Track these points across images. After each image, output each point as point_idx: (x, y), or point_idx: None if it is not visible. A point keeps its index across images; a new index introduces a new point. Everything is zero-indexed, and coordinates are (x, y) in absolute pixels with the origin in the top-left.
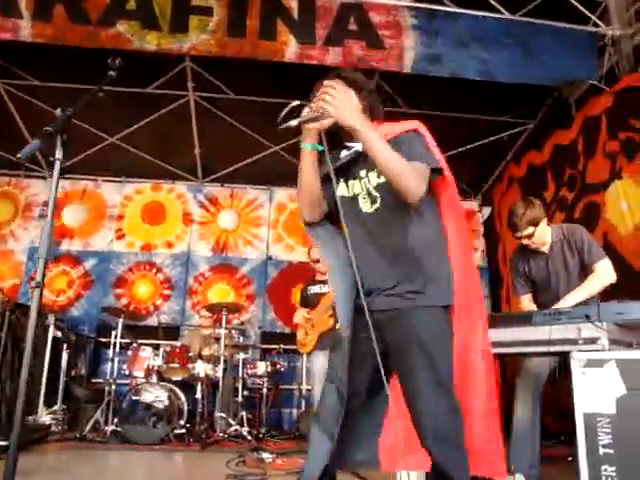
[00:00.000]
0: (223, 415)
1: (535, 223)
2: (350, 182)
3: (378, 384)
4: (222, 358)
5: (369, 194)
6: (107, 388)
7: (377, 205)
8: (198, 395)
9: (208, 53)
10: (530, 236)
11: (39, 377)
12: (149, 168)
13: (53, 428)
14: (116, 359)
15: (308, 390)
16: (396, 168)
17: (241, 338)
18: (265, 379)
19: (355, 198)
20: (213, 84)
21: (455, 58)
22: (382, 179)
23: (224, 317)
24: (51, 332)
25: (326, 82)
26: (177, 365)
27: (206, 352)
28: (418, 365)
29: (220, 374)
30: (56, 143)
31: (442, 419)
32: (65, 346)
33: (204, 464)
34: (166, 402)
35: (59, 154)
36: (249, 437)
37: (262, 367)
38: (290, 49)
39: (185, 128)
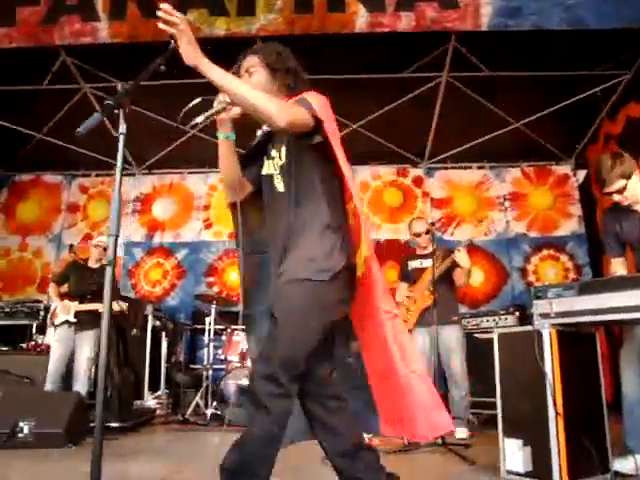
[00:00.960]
0: None
1: (627, 176)
2: (267, 161)
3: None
4: None
5: (281, 174)
6: (205, 373)
7: (285, 185)
8: None
9: (276, 32)
10: (621, 190)
11: (142, 364)
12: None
13: (158, 411)
14: (211, 345)
15: None
16: (248, 93)
17: None
18: (354, 360)
19: (271, 177)
20: None
21: (537, 8)
22: (283, 160)
23: None
24: (150, 321)
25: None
26: None
27: None
28: (272, 330)
29: None
30: (119, 117)
31: (258, 382)
32: (164, 334)
33: (300, 445)
34: None
35: (122, 128)
36: None
37: (354, 348)
38: (360, 19)
39: None
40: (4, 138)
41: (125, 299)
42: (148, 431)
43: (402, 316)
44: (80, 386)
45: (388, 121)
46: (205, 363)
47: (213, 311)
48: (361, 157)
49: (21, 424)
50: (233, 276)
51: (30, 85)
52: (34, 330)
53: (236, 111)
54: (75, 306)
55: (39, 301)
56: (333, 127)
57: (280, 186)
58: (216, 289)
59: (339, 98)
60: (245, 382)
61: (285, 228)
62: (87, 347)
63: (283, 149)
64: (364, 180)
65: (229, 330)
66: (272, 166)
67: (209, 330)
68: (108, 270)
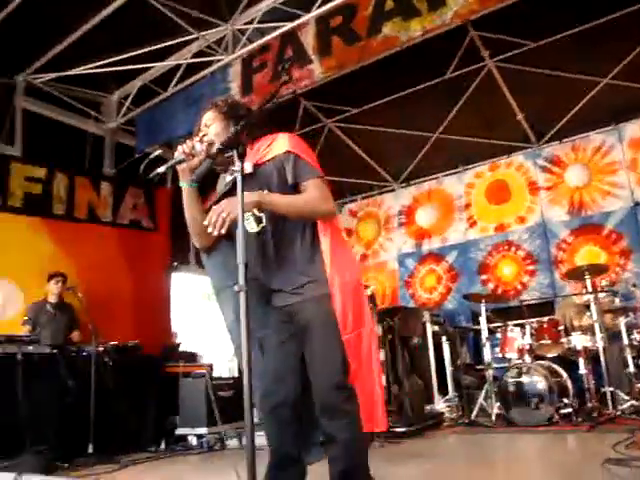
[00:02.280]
0: (612, 389)
1: None
2: None
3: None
4: (596, 326)
5: (253, 215)
6: (486, 373)
7: (263, 224)
8: (581, 370)
9: (471, 13)
10: None
11: (428, 369)
12: (481, 149)
13: (447, 415)
14: (487, 344)
15: None
16: (306, 209)
17: (617, 300)
18: None
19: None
20: (506, 41)
21: None
22: None
23: (588, 281)
24: (429, 327)
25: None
26: (548, 341)
27: (581, 322)
28: (313, 345)
29: (599, 344)
30: (233, 157)
31: (327, 394)
32: (445, 338)
33: (587, 446)
34: (544, 381)
35: (238, 166)
36: None
37: None
38: None
39: (499, 98)
40: None
41: (402, 310)
42: (433, 435)
43: None
44: None
45: None
46: (486, 363)
47: (483, 309)
48: (626, 111)
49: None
50: (506, 270)
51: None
52: None
53: (194, 161)
54: None
55: None
56: None
57: (252, 226)
58: (491, 286)
59: (578, 54)
60: (525, 379)
61: (281, 256)
62: None
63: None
64: (635, 137)
65: (503, 327)
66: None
67: (484, 329)
68: (242, 296)
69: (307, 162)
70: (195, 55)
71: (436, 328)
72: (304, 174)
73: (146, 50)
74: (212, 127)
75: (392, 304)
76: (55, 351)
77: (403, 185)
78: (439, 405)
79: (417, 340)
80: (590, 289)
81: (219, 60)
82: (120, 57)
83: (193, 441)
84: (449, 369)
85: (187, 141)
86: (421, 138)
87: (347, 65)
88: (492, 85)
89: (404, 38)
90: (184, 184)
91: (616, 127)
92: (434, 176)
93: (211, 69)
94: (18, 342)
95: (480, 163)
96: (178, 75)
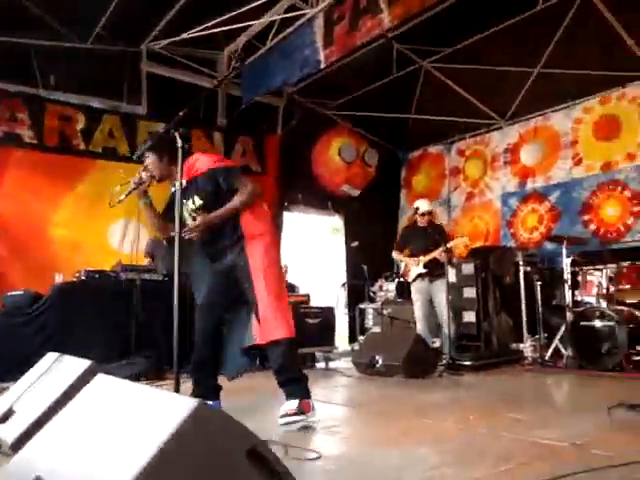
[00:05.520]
0: None
1: None
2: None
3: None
4: None
5: (190, 215)
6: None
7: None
8: None
9: None
10: None
11: (518, 309)
12: (589, 82)
13: (530, 354)
14: (567, 287)
15: None
16: (234, 210)
17: None
18: None
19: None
20: None
21: None
22: (196, 206)
23: None
24: (521, 268)
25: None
26: (628, 287)
27: None
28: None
29: None
30: (174, 137)
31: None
32: (536, 278)
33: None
34: (615, 326)
35: (180, 143)
36: None
37: None
38: None
39: (603, 24)
40: (392, 126)
41: (497, 249)
42: (500, 371)
43: None
44: (445, 327)
45: None
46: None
47: (564, 252)
48: None
49: (377, 357)
50: (609, 211)
51: (378, 81)
52: None
53: (145, 184)
54: (421, 259)
55: None
56: None
57: (190, 221)
58: (592, 227)
59: None
60: (597, 323)
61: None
62: (441, 293)
63: (196, 198)
64: None
65: (583, 270)
66: (185, 211)
67: (566, 272)
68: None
69: (229, 170)
70: (286, 10)
71: (529, 269)
72: (233, 182)
73: (245, 9)
74: (147, 160)
75: (493, 243)
76: (166, 278)
77: (510, 122)
78: (526, 344)
79: (509, 279)
80: None
81: (306, 14)
82: (223, 17)
83: None
84: (539, 310)
85: (137, 174)
86: (523, 74)
87: (412, 11)
88: (591, 11)
89: None
90: (141, 202)
91: None
92: (541, 112)
93: (299, 22)
94: (137, 271)
95: (590, 97)
96: (274, 30)
